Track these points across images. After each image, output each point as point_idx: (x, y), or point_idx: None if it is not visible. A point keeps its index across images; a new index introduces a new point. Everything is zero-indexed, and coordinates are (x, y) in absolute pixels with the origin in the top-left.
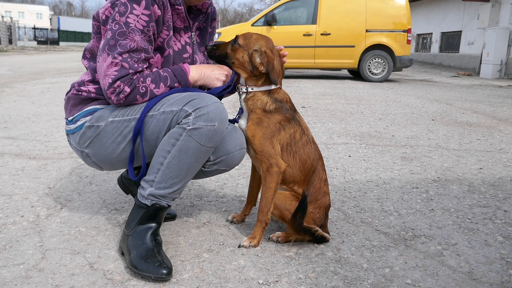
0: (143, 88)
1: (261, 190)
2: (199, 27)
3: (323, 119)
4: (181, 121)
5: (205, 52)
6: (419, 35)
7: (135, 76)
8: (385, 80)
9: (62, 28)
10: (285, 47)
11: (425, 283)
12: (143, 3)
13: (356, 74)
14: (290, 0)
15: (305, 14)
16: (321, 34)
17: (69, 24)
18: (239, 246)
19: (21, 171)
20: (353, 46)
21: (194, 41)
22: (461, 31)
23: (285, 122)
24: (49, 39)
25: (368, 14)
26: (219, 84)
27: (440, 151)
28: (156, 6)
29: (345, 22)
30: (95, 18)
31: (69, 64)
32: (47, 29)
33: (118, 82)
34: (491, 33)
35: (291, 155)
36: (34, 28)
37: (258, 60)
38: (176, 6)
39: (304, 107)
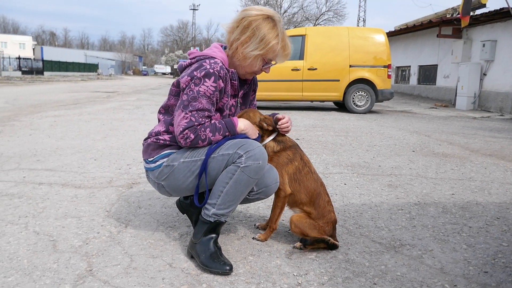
0: (204, 135)
1: (272, 206)
2: (244, 93)
3: (317, 151)
4: (236, 161)
5: None
6: (398, 67)
7: (198, 126)
8: (369, 111)
9: (45, 58)
10: (274, 81)
11: (409, 275)
12: (213, 78)
13: (341, 106)
14: None
15: (293, 50)
16: (308, 69)
17: (52, 54)
18: (253, 238)
19: (75, 198)
20: (338, 80)
21: (238, 104)
22: (437, 65)
23: (291, 156)
24: (34, 69)
25: (351, 50)
26: (256, 134)
27: (420, 179)
28: (220, 80)
29: (330, 58)
30: (175, 85)
31: (62, 96)
32: (30, 59)
33: (186, 130)
34: (464, 67)
35: (297, 183)
36: (19, 58)
37: (265, 124)
38: (232, 81)
39: (298, 139)
